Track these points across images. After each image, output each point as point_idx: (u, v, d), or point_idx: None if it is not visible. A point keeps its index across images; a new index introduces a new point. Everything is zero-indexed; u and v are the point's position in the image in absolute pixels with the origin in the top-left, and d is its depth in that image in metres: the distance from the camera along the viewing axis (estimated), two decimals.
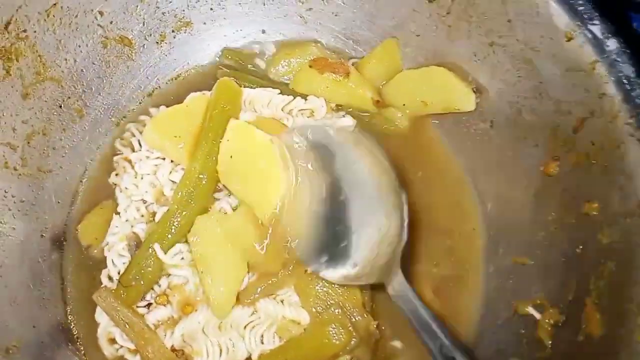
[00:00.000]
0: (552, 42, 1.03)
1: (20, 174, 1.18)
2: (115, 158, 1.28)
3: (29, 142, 1.19)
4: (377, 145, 1.09)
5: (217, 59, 1.42)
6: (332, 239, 1.04)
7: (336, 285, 1.08)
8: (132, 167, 1.24)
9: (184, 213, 1.12)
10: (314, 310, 1.08)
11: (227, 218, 1.12)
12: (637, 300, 0.89)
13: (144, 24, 1.32)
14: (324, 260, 1.04)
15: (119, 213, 1.21)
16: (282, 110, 1.27)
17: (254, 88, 1.29)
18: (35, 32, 1.14)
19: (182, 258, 1.12)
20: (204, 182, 1.13)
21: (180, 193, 1.13)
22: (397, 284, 1.05)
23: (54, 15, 1.15)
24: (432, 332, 1.00)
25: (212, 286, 1.08)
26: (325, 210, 1.05)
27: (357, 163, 1.05)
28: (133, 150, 1.27)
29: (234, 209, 1.14)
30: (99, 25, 1.25)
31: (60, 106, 1.25)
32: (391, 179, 1.05)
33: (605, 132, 0.97)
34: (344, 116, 1.29)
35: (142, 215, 1.19)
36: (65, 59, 1.22)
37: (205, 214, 1.13)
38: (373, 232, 1.01)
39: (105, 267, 1.18)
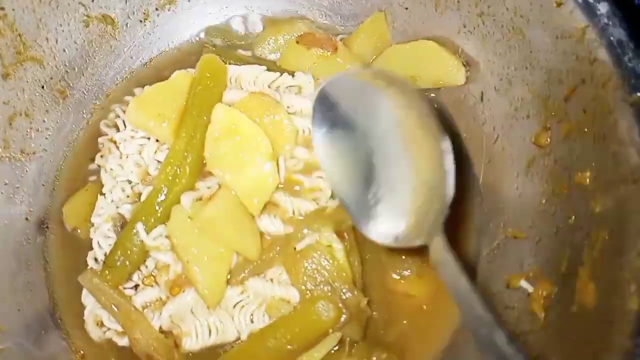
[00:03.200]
0: (542, 9, 1.01)
1: (2, 157, 1.16)
2: (100, 139, 1.26)
3: (10, 124, 1.17)
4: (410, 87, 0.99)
5: (202, 37, 1.39)
6: (369, 199, 0.96)
7: (325, 263, 1.06)
8: (117, 148, 1.22)
9: (169, 192, 1.10)
10: (303, 288, 1.06)
11: (202, 210, 1.07)
12: (630, 268, 0.87)
13: (126, 2, 1.30)
14: (369, 222, 0.95)
15: (104, 194, 1.19)
16: (269, 87, 1.24)
17: (240, 65, 1.26)
18: (13, 10, 1.11)
19: (162, 243, 1.10)
20: (188, 160, 1.11)
21: (164, 172, 1.11)
22: (437, 248, 0.88)
23: None
24: (470, 306, 0.83)
25: (199, 275, 1.06)
26: (352, 172, 0.99)
27: (385, 111, 0.96)
28: (118, 131, 1.24)
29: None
30: (80, 3, 1.22)
31: (43, 87, 1.22)
32: (427, 124, 0.92)
33: (597, 99, 0.95)
34: None
35: (128, 196, 1.17)
36: (47, 39, 1.20)
37: (179, 204, 1.11)
38: (404, 188, 0.92)
39: (91, 249, 1.16)
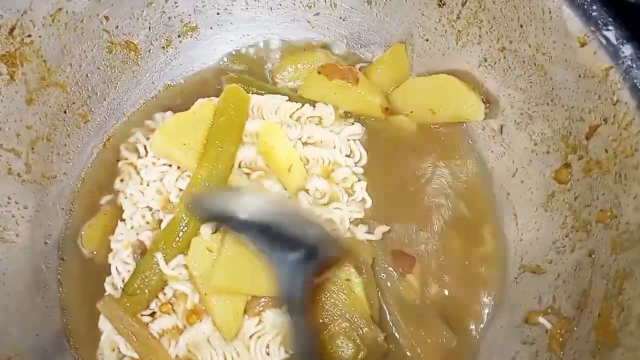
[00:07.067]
0: (565, 47, 1.01)
1: (24, 180, 1.17)
2: (120, 163, 1.26)
3: (33, 148, 1.18)
4: None
5: (224, 64, 1.41)
6: None
7: (343, 297, 1.06)
8: (138, 173, 1.22)
9: (189, 222, 1.10)
10: (320, 321, 1.06)
11: (211, 278, 1.05)
12: None
13: (149, 29, 1.31)
14: None
15: (124, 220, 1.19)
16: (290, 117, 1.25)
17: (262, 94, 1.27)
18: (40, 37, 1.12)
19: (180, 273, 1.10)
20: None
21: (185, 201, 1.11)
22: None
23: (59, 20, 1.14)
24: None
25: (216, 308, 1.06)
26: None
27: None
28: (139, 156, 1.25)
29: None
30: (104, 30, 1.23)
31: (65, 112, 1.23)
32: None
33: (619, 139, 0.95)
34: (353, 123, 1.28)
35: (148, 223, 1.18)
36: (70, 64, 1.21)
37: (199, 234, 1.11)
38: None
39: (109, 274, 1.16)
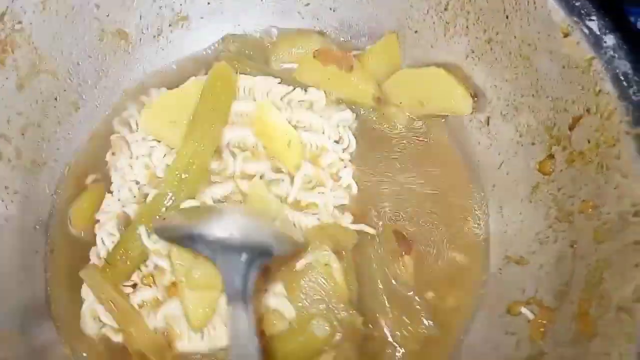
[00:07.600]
0: (549, 38, 1.02)
1: (14, 166, 1.18)
2: (112, 137, 1.27)
3: (23, 134, 1.18)
4: None
5: (217, 48, 1.41)
6: None
7: (322, 281, 1.06)
8: (128, 148, 1.23)
9: (173, 197, 1.11)
10: (300, 304, 1.06)
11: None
12: (630, 299, 0.88)
13: (140, 18, 1.32)
14: None
15: (111, 192, 1.20)
16: (281, 100, 1.25)
17: (255, 76, 1.27)
18: (31, 23, 1.13)
19: (163, 247, 1.10)
20: (194, 167, 1.12)
21: (170, 177, 1.12)
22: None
23: (50, 7, 1.15)
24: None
25: (190, 298, 1.06)
26: None
27: None
28: (130, 131, 1.26)
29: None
30: (95, 18, 1.24)
31: (56, 98, 1.24)
32: None
33: (601, 129, 0.96)
34: (343, 110, 1.28)
35: (134, 196, 1.18)
36: (61, 51, 1.22)
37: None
38: None
39: (95, 245, 1.17)
